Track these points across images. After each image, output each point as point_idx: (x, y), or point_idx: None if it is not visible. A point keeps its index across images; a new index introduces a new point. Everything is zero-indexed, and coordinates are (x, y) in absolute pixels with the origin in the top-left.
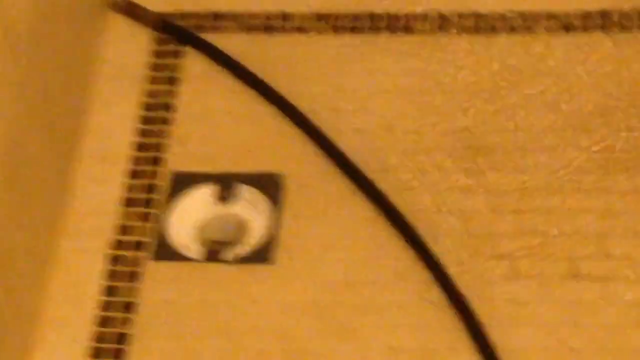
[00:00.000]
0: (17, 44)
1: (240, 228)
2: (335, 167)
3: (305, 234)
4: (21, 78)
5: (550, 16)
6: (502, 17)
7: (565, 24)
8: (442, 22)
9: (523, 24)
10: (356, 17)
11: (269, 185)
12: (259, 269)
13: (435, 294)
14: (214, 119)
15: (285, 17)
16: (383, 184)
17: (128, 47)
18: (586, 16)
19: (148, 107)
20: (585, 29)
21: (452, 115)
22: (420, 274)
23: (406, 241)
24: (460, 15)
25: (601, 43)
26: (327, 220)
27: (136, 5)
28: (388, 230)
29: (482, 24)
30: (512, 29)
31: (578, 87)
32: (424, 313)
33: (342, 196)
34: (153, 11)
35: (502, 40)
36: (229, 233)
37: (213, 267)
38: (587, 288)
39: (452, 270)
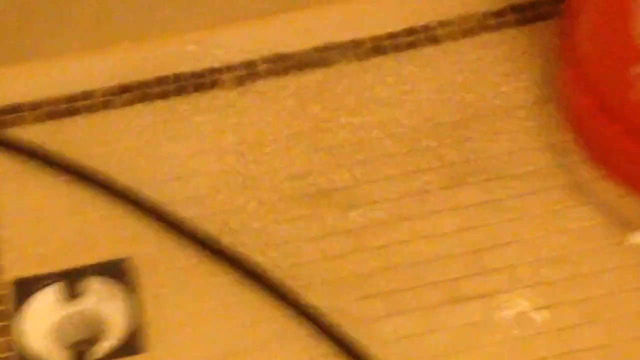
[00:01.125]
0: None
1: (99, 322)
2: (180, 239)
3: (170, 313)
4: None
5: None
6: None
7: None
8: (248, 70)
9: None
10: (161, 80)
11: (117, 272)
12: None
13: (325, 346)
14: (39, 216)
15: (86, 95)
16: (233, 247)
17: None
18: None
19: None
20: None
21: (282, 163)
22: (302, 329)
23: (278, 298)
24: (265, 60)
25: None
26: (189, 293)
27: None
28: (256, 292)
29: (288, 64)
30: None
31: (400, 111)
32: None
33: (196, 267)
34: None
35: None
36: (89, 330)
37: None
38: (472, 308)
39: (333, 317)
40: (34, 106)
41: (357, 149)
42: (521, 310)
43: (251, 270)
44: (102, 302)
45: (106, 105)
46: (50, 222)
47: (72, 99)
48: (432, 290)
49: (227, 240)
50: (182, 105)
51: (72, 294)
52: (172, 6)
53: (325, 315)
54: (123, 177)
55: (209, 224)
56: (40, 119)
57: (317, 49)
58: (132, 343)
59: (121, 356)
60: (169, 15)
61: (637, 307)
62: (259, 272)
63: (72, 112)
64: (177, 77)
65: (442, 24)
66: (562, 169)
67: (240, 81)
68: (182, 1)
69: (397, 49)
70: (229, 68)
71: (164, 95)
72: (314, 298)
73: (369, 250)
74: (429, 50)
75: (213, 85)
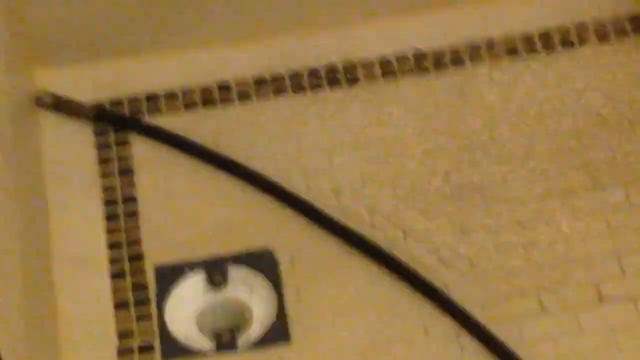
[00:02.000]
0: None
1: (242, 311)
2: (323, 231)
3: (312, 305)
4: None
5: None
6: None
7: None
8: (385, 67)
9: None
10: (297, 74)
11: (260, 262)
12: (277, 350)
13: (467, 340)
14: (180, 203)
15: (222, 87)
16: (376, 240)
17: (67, 144)
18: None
19: (108, 203)
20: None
21: (424, 159)
22: (446, 325)
23: (422, 293)
24: (399, 58)
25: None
26: (332, 285)
27: (66, 100)
28: (396, 285)
29: (426, 62)
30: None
31: (544, 112)
32: None
33: (338, 259)
34: (86, 103)
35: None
36: (232, 318)
37: (228, 356)
38: (617, 310)
39: (477, 314)
40: (170, 96)
41: (501, 148)
42: None
43: (394, 264)
44: (245, 291)
45: (242, 97)
46: (192, 211)
47: (207, 90)
48: (575, 291)
49: (370, 233)
50: (316, 100)
51: (215, 282)
52: (311, 2)
53: (469, 312)
54: (264, 168)
55: (352, 217)
56: (175, 109)
57: (453, 49)
58: (275, 332)
59: (265, 344)
60: (308, 11)
61: None
62: (402, 266)
63: (207, 103)
64: (313, 72)
65: (579, 26)
66: None
67: (377, 77)
68: None
69: (538, 50)
70: (366, 64)
71: (299, 89)
72: (458, 294)
73: (512, 248)
74: (577, 52)
75: (349, 80)
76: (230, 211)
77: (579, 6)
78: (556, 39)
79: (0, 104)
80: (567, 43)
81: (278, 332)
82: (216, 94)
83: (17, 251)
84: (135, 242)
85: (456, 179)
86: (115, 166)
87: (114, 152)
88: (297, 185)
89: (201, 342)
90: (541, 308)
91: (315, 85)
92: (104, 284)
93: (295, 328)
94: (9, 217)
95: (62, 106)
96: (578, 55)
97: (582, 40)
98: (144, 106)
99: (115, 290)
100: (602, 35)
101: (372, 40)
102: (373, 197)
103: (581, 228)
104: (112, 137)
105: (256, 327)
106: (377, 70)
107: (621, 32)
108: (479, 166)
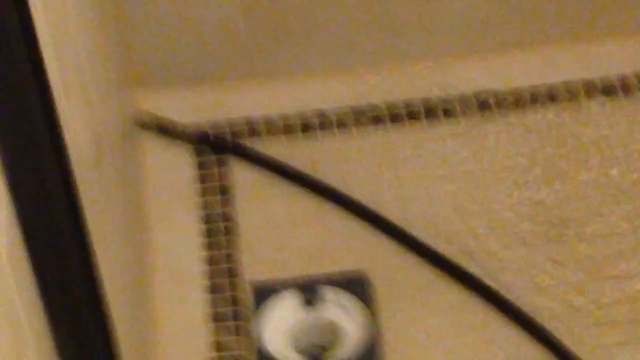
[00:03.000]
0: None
1: (334, 331)
2: (417, 257)
3: (405, 328)
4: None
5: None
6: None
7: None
8: (480, 102)
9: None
10: (392, 106)
11: (354, 285)
12: None
13: None
14: (276, 224)
15: (321, 115)
16: (470, 268)
17: (168, 163)
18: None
19: (206, 219)
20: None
21: (517, 191)
22: (536, 351)
23: (514, 321)
24: (497, 94)
25: None
26: (425, 311)
27: (168, 122)
28: (490, 313)
29: (520, 99)
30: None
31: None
32: None
33: (431, 285)
34: (186, 125)
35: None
36: (324, 337)
37: None
38: None
39: (569, 343)
40: (270, 122)
41: (592, 183)
42: None
43: (487, 292)
44: (338, 312)
45: (340, 125)
46: (288, 231)
47: (306, 117)
48: None
49: (463, 261)
50: (413, 131)
51: (309, 302)
52: (411, 35)
53: (561, 341)
54: (360, 196)
55: (445, 245)
56: (275, 135)
57: (547, 86)
58: (367, 355)
59: None
60: (408, 43)
61: None
62: (495, 294)
63: (305, 130)
64: (408, 103)
65: None
66: None
67: (472, 112)
68: (422, 31)
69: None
70: (464, 98)
71: (396, 120)
72: (549, 323)
73: (605, 280)
74: None
75: (446, 113)
76: (325, 235)
77: None
78: None
79: (110, 125)
80: None
81: (370, 354)
82: (315, 122)
83: (121, 262)
84: (232, 259)
85: (551, 211)
86: (215, 185)
87: (213, 172)
88: (393, 213)
89: (292, 358)
90: (634, 339)
91: (412, 117)
92: (200, 298)
93: (387, 352)
94: (116, 229)
95: (163, 128)
96: None
97: None
98: (244, 131)
99: (212, 305)
100: None
101: (470, 75)
102: (467, 227)
103: None
104: (212, 159)
105: (349, 349)
106: (474, 104)
107: None
108: (574, 200)
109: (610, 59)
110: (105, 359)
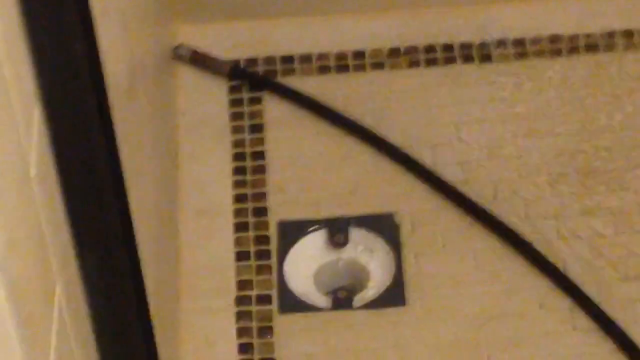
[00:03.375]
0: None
1: (360, 272)
2: (447, 201)
3: (430, 272)
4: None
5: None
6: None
7: None
8: (518, 48)
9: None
10: (429, 48)
11: (381, 226)
12: (392, 312)
13: (582, 320)
14: (307, 163)
15: (357, 54)
16: (498, 214)
17: (201, 98)
18: None
19: (237, 157)
20: None
21: (551, 140)
22: (560, 301)
23: (540, 269)
24: (535, 40)
25: None
26: (450, 255)
27: (204, 55)
28: (514, 259)
29: (560, 46)
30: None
31: None
32: (574, 341)
33: (459, 230)
34: (222, 59)
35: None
36: (349, 278)
37: (343, 314)
38: None
39: (593, 294)
40: (305, 58)
41: (626, 133)
42: None
43: (514, 239)
44: (365, 253)
45: (375, 66)
46: (318, 171)
47: (342, 56)
48: None
49: (493, 207)
50: (448, 75)
51: (336, 242)
52: None
53: (585, 292)
54: (391, 136)
55: (476, 190)
56: (309, 72)
57: (587, 35)
58: (391, 295)
59: (381, 306)
60: None
61: None
62: (522, 241)
63: (340, 69)
64: (445, 47)
65: None
66: None
67: (509, 58)
68: None
69: None
70: (501, 43)
71: (432, 62)
72: (575, 273)
73: (633, 232)
74: None
75: (482, 57)
76: (355, 174)
77: None
78: None
79: (146, 55)
80: None
81: (394, 295)
82: (350, 61)
83: (150, 194)
84: (260, 196)
85: (583, 160)
86: (246, 122)
87: (246, 108)
88: (423, 155)
89: (318, 298)
90: None
91: (449, 61)
92: (227, 236)
93: (411, 293)
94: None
95: (199, 60)
96: None
97: None
98: (279, 67)
99: (238, 242)
100: None
101: (509, 20)
102: (498, 172)
103: None
104: (245, 94)
105: (373, 289)
106: (511, 49)
107: None
108: (608, 150)
109: None
110: (131, 288)
